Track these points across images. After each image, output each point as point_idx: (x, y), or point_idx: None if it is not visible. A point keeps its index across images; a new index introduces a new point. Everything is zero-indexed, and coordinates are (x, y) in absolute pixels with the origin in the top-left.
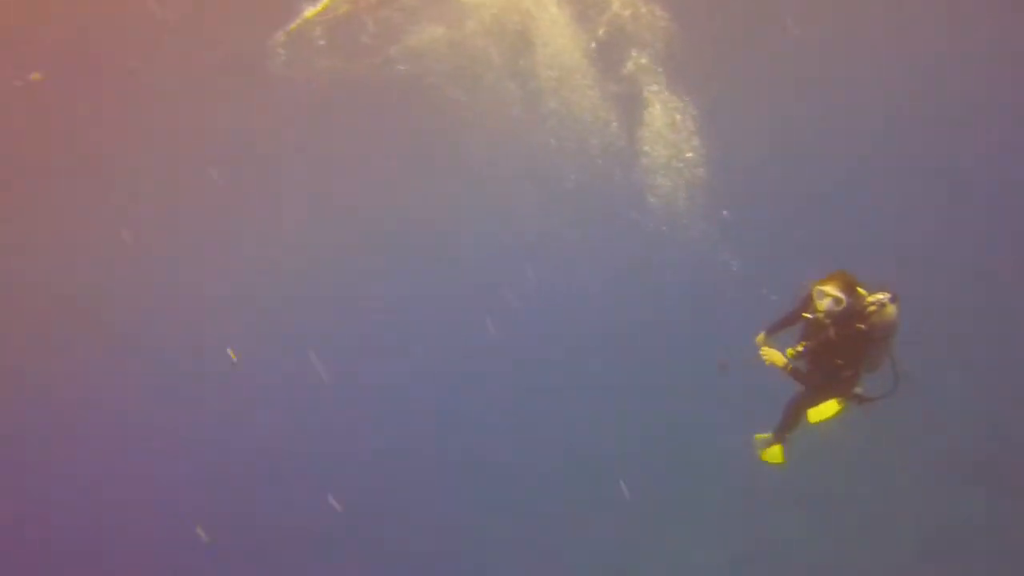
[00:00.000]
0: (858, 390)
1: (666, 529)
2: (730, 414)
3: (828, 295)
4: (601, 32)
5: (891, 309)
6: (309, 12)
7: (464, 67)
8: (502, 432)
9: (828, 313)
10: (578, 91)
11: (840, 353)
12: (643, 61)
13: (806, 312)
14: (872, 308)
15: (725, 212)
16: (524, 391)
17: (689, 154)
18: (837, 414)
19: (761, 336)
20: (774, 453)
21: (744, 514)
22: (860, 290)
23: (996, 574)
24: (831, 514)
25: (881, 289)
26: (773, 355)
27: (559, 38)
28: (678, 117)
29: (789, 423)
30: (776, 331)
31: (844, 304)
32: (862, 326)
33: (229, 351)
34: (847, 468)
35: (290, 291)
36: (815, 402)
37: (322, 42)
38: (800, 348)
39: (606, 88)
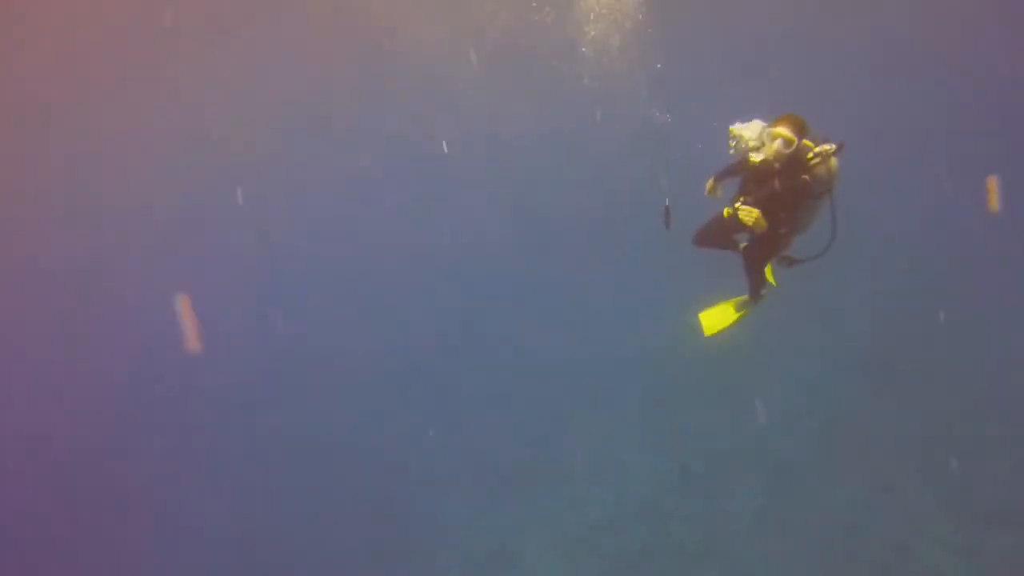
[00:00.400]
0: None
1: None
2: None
3: (779, 135)
4: None
5: (834, 162)
6: None
7: None
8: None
9: (777, 156)
10: None
11: (780, 206)
12: None
13: (753, 158)
14: (815, 160)
15: (658, 65)
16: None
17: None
18: (733, 324)
19: (711, 182)
20: (714, 322)
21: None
22: (806, 141)
23: (887, 458)
24: (744, 407)
25: (826, 140)
26: (752, 213)
27: None
28: None
29: (757, 282)
30: (724, 178)
31: (795, 145)
32: (806, 177)
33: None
34: (754, 363)
35: None
36: (761, 254)
37: None
38: (740, 203)
39: None
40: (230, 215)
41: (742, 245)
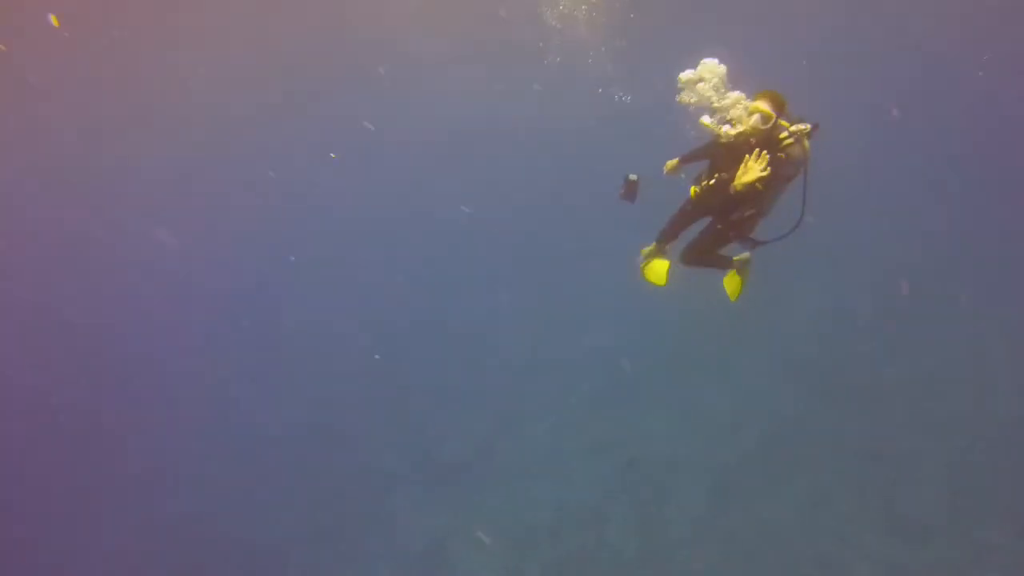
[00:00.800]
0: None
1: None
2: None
3: (757, 110)
4: None
5: (807, 143)
6: None
7: None
8: None
9: (754, 130)
10: None
11: (760, 190)
12: None
13: (727, 132)
14: (789, 140)
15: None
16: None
17: None
18: (666, 275)
19: (673, 161)
20: (658, 273)
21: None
22: (782, 120)
23: (822, 471)
24: (688, 413)
25: (800, 119)
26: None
27: None
28: None
29: (704, 258)
30: (690, 160)
31: (772, 121)
32: (781, 155)
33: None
34: (703, 371)
35: None
36: (720, 236)
37: None
38: (711, 182)
39: None
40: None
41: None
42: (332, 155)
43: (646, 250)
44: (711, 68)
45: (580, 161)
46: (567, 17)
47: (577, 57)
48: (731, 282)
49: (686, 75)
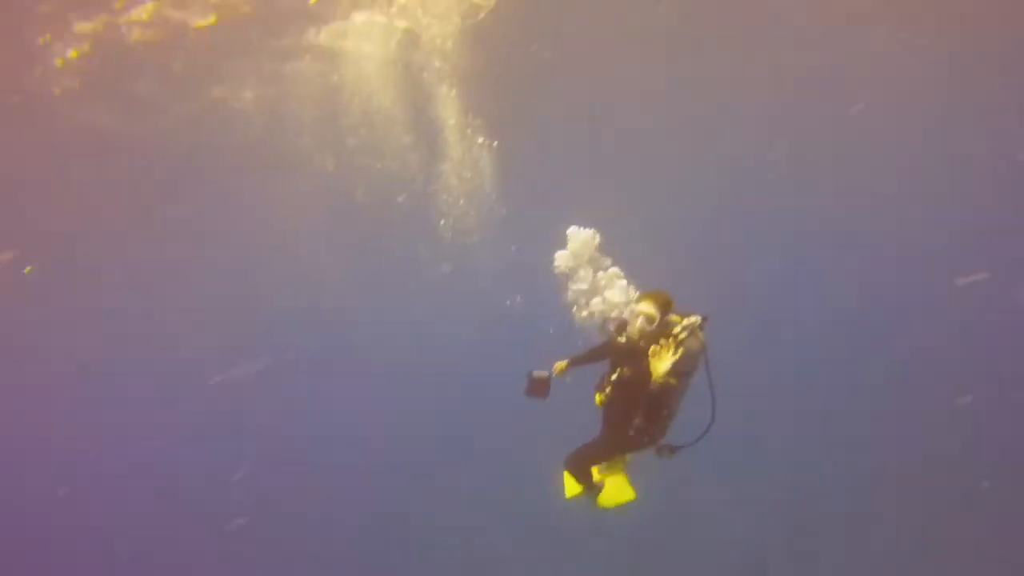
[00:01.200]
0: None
1: None
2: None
3: (641, 312)
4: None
5: (701, 336)
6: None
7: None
8: None
9: (641, 333)
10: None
11: (674, 384)
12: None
13: (618, 339)
14: (683, 335)
15: (513, 247)
16: None
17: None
18: (630, 501)
19: (562, 364)
20: (618, 491)
21: None
22: (673, 316)
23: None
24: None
25: (687, 314)
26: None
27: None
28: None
29: (584, 472)
30: (582, 363)
31: (657, 322)
32: (680, 351)
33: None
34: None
35: None
36: (616, 452)
37: None
38: (608, 389)
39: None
40: None
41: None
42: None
43: (580, 488)
44: (583, 240)
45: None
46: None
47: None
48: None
49: (561, 257)
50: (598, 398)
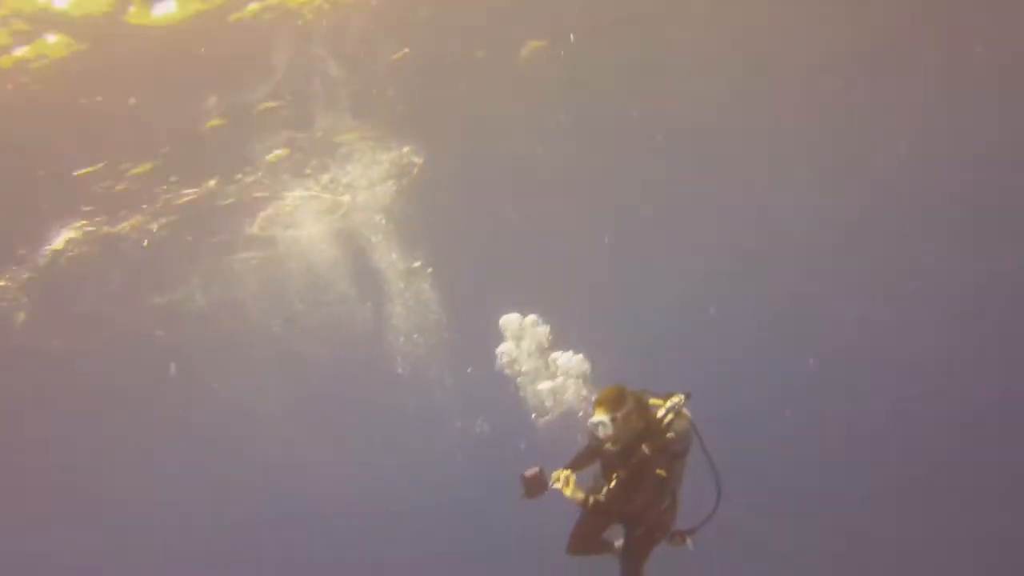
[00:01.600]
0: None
1: None
2: None
3: (598, 424)
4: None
5: (687, 412)
6: None
7: None
8: None
9: (608, 439)
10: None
11: (665, 476)
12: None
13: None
14: (669, 416)
15: (469, 369)
16: None
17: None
18: None
19: (565, 472)
20: None
21: None
22: (653, 400)
23: None
24: None
25: (668, 394)
26: (569, 484)
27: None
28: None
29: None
30: (579, 467)
31: (616, 423)
32: (671, 435)
33: None
34: None
35: None
36: (643, 546)
37: None
38: (609, 487)
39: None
40: None
41: (617, 543)
42: None
43: None
44: (519, 324)
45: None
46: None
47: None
48: None
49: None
50: (591, 499)
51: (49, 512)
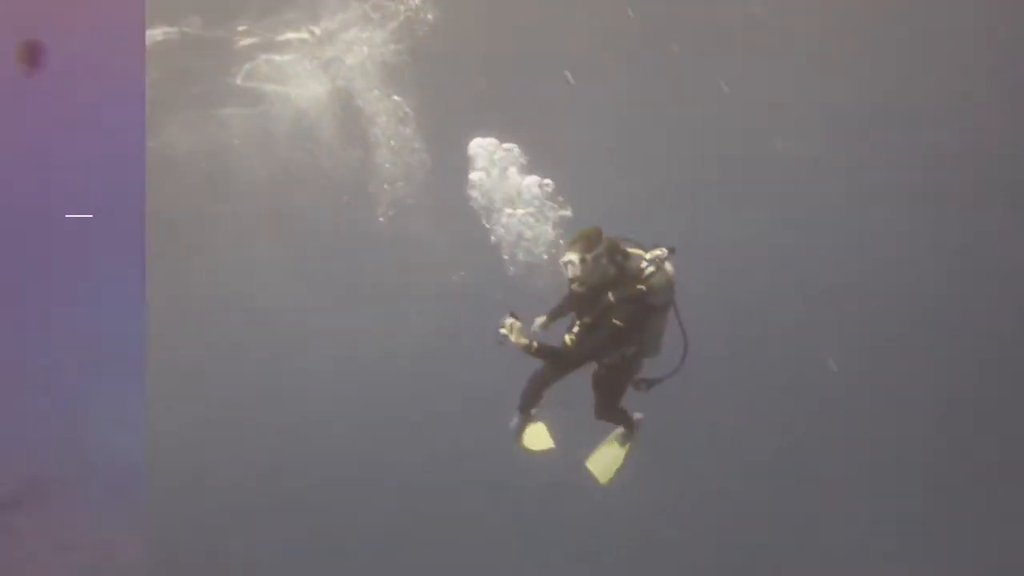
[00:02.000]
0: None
1: None
2: None
3: (567, 263)
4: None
5: (669, 267)
6: None
7: None
8: None
9: (575, 279)
10: None
11: (621, 327)
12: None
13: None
14: (650, 269)
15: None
16: None
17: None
18: (624, 461)
19: (543, 319)
20: (539, 438)
21: None
22: (633, 249)
23: None
24: None
25: (655, 245)
26: (513, 331)
27: None
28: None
29: (529, 399)
30: (557, 316)
31: (587, 264)
32: (642, 287)
33: None
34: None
35: None
36: (615, 391)
37: None
38: (576, 331)
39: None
40: None
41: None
42: None
43: (513, 423)
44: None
45: None
46: None
47: None
48: (606, 458)
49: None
50: (567, 340)
51: None
